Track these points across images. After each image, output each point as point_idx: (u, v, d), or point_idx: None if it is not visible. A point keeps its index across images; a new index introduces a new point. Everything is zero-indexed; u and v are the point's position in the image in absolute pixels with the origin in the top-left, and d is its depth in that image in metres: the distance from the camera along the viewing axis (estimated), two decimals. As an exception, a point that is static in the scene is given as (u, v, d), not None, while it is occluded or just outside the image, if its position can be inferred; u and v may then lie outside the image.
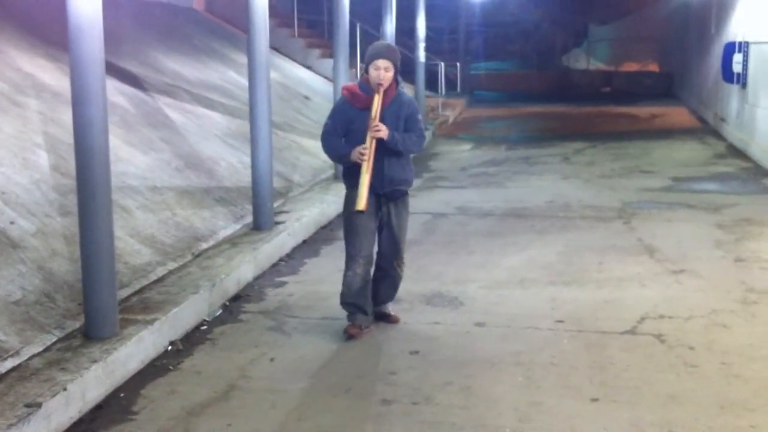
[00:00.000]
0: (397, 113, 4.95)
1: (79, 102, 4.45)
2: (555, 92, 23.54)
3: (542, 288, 5.99)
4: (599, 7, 32.94)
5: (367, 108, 4.85)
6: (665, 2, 23.81)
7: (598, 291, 5.90)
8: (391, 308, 5.33)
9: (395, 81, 4.95)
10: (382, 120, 4.86)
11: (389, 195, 5.03)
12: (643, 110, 18.78)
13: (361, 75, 5.08)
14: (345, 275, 5.05)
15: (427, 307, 5.59)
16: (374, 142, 4.79)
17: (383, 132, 4.79)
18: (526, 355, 4.71)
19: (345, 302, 5.07)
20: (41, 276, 4.97)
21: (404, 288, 5.58)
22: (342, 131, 4.98)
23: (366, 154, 4.75)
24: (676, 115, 17.97)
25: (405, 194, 5.14)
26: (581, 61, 30.44)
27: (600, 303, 5.62)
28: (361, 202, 4.70)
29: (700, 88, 17.68)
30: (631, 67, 28.15)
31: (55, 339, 4.49)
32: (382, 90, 4.85)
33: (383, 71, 4.87)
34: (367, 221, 4.98)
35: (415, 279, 6.05)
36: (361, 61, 5.14)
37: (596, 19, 33.52)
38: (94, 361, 4.18)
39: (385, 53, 4.94)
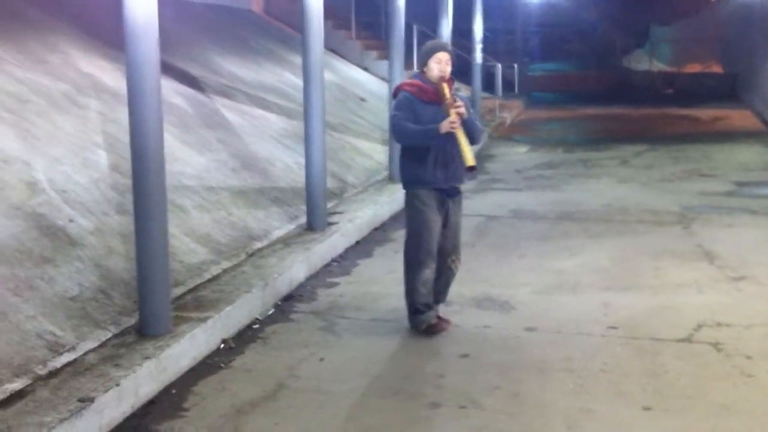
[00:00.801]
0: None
1: (134, 103, 4.53)
2: (615, 93, 23.18)
3: (595, 293, 5.90)
4: (661, 7, 32.36)
5: (434, 100, 4.95)
6: (728, 2, 23.29)
7: (654, 297, 5.79)
8: (442, 310, 5.31)
9: (451, 78, 5.02)
10: (440, 113, 4.91)
11: (451, 191, 5.08)
12: (705, 112, 18.40)
13: (416, 72, 5.13)
14: (420, 274, 5.03)
15: (477, 310, 5.56)
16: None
17: (464, 109, 4.86)
18: (577, 361, 4.65)
19: (421, 302, 5.06)
20: (98, 273, 5.07)
21: (455, 290, 5.56)
22: (411, 122, 5.00)
23: (456, 123, 4.79)
24: (740, 117, 17.56)
25: (460, 191, 5.20)
26: (643, 61, 29.91)
27: (655, 309, 5.52)
28: (470, 158, 4.77)
29: (765, 90, 17.24)
30: (694, 68, 27.59)
31: (110, 335, 4.58)
32: (446, 80, 4.96)
33: (444, 64, 4.99)
34: (437, 218, 5.03)
35: (465, 282, 6.01)
36: (418, 62, 5.16)
37: (658, 19, 32.93)
38: (147, 358, 4.25)
39: (445, 47, 5.14)
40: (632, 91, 24.15)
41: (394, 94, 5.21)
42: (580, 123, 17.51)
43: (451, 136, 4.86)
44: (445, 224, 5.08)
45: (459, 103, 4.89)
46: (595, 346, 4.88)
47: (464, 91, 16.32)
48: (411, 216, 5.09)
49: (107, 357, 4.26)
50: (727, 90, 22.02)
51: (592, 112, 19.34)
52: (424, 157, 4.96)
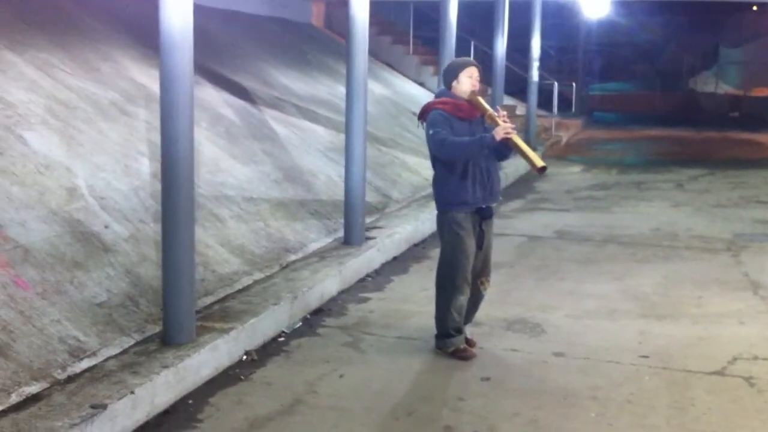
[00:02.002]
0: (483, 123, 4.91)
1: (166, 115, 4.58)
2: (678, 116, 22.70)
3: (632, 320, 5.75)
4: (731, 29, 31.65)
5: (470, 117, 4.92)
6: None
7: (692, 327, 5.61)
8: (470, 331, 5.23)
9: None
10: (475, 127, 4.90)
11: (487, 212, 5.01)
12: (769, 137, 17.91)
13: (443, 90, 5.06)
14: (455, 300, 4.96)
15: (507, 332, 5.46)
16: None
17: (510, 123, 4.80)
18: (603, 390, 4.52)
19: (452, 327, 5.00)
20: (128, 280, 5.13)
21: (486, 312, 5.48)
22: None
23: (509, 126, 4.72)
24: (806, 143, 17.04)
25: (493, 212, 5.12)
26: (709, 84, 29.27)
27: (692, 340, 5.35)
28: (539, 159, 4.72)
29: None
30: (762, 92, 26.86)
31: (133, 342, 4.62)
32: (478, 94, 4.93)
33: (475, 79, 4.95)
34: (473, 243, 4.97)
35: (499, 303, 5.93)
36: (444, 79, 5.10)
37: (727, 41, 32.22)
38: (166, 367, 4.27)
39: (474, 63, 5.05)
40: (696, 113, 23.64)
41: (423, 114, 5.05)
42: (639, 144, 17.19)
43: (488, 153, 4.84)
44: (479, 246, 5.01)
45: (504, 116, 4.83)
46: (624, 375, 4.74)
47: (520, 108, 16.18)
48: (448, 240, 4.99)
49: (127, 364, 4.30)
50: (795, 115, 21.39)
51: (652, 133, 18.97)
52: (463, 177, 4.88)
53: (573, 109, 19.10)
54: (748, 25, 30.22)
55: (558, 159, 14.63)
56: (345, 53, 7.25)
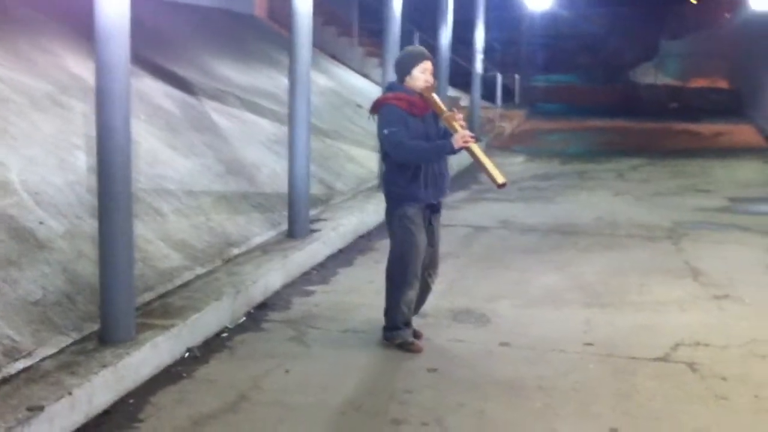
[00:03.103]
0: (436, 118, 4.85)
1: (102, 105, 4.44)
2: (619, 107, 23.01)
3: (577, 309, 5.78)
4: (671, 22, 32.22)
5: (423, 114, 4.82)
6: (737, 19, 23.16)
7: (635, 314, 5.67)
8: (416, 323, 5.20)
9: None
10: (428, 125, 4.84)
11: (436, 207, 4.97)
12: (708, 127, 18.25)
13: (394, 83, 4.96)
14: (405, 294, 4.91)
15: (452, 323, 5.45)
16: None
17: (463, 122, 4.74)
18: (549, 379, 4.53)
19: (401, 321, 4.94)
20: (64, 277, 4.98)
21: (432, 303, 5.45)
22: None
23: (467, 135, 4.63)
24: (742, 133, 17.40)
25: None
26: (649, 75, 29.76)
27: (635, 327, 5.40)
28: (500, 176, 4.60)
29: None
30: (700, 83, 27.41)
31: (70, 341, 4.48)
32: (433, 89, 4.81)
33: (429, 73, 4.83)
34: (424, 237, 4.91)
35: (445, 294, 5.91)
36: (397, 71, 4.97)
37: (667, 33, 32.79)
38: (104, 366, 4.15)
39: (429, 55, 4.91)
40: (637, 104, 23.99)
41: (375, 108, 4.90)
42: (581, 135, 17.38)
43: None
44: (430, 242, 4.97)
45: (459, 114, 4.76)
46: (570, 363, 4.76)
47: (465, 99, 16.22)
48: (399, 235, 4.90)
49: (64, 364, 4.17)
50: (732, 105, 21.85)
51: (594, 124, 19.20)
52: (415, 174, 4.79)
53: (516, 101, 19.22)
54: (688, 18, 30.78)
55: (502, 150, 14.70)
56: (289, 44, 7.13)
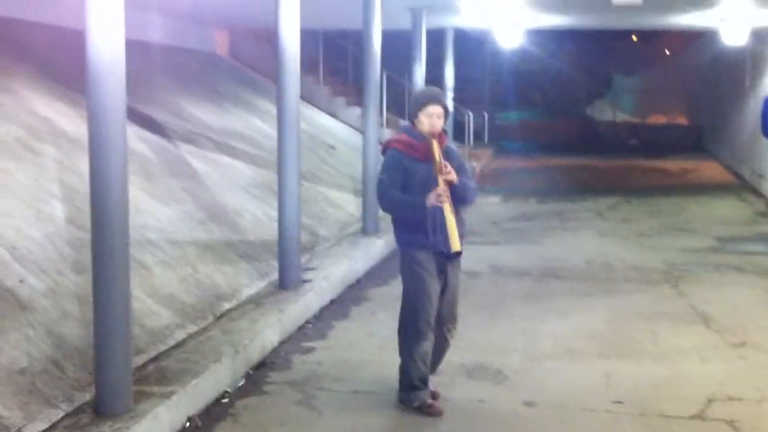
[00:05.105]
0: (449, 163, 4.55)
1: (96, 152, 4.07)
2: (581, 143, 23.07)
3: (593, 361, 5.49)
4: (623, 58, 32.67)
5: (425, 158, 4.50)
6: (693, 54, 23.48)
7: (656, 366, 5.40)
8: (430, 381, 4.84)
9: (443, 130, 4.59)
10: (434, 171, 4.51)
11: (450, 255, 4.59)
12: (673, 164, 18.31)
13: (406, 125, 4.71)
14: (418, 346, 4.55)
15: (469, 381, 5.11)
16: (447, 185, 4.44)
17: (453, 174, 4.44)
18: (585, 442, 4.22)
19: (417, 377, 4.58)
20: (50, 341, 4.54)
21: (442, 358, 5.10)
22: (399, 185, 4.57)
23: (443, 195, 4.38)
24: (709, 169, 17.49)
25: (461, 253, 4.69)
26: (606, 112, 30.07)
27: (659, 380, 5.12)
28: (457, 243, 4.41)
29: (733, 143, 17.22)
30: (659, 119, 27.74)
31: (62, 414, 4.04)
32: (436, 136, 4.52)
33: (435, 118, 4.55)
34: (436, 284, 4.59)
35: (453, 347, 5.52)
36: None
37: (621, 69, 33.24)
38: (104, 444, 3.73)
39: (437, 98, 4.64)
40: (597, 141, 24.09)
41: (383, 150, 4.72)
42: (549, 173, 17.28)
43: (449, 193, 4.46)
44: (443, 290, 4.64)
45: (449, 169, 4.45)
46: (603, 424, 4.46)
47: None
48: (409, 281, 4.60)
49: (58, 443, 3.73)
50: (693, 142, 22.04)
51: (560, 162, 19.13)
52: (421, 221, 4.51)
53: (486, 140, 19.11)
54: (640, 54, 31.25)
55: (475, 189, 14.48)
56: (276, 88, 6.80)
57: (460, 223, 4.62)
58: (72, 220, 5.84)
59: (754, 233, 10.31)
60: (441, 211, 4.49)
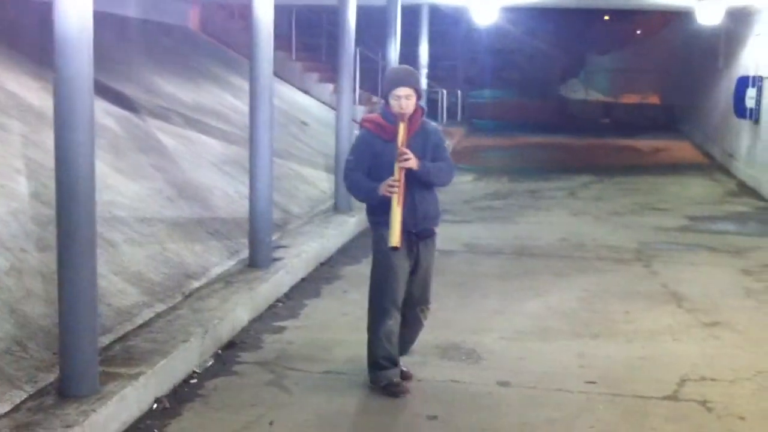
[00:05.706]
0: (424, 143, 4.48)
1: (62, 125, 3.92)
2: (554, 122, 23.11)
3: (568, 340, 5.46)
4: (598, 37, 32.73)
5: (394, 140, 4.39)
6: (667, 34, 23.54)
7: (629, 346, 5.38)
8: (404, 361, 4.78)
9: (420, 108, 4.48)
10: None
11: (421, 233, 4.54)
12: (645, 143, 18.37)
13: (382, 104, 4.61)
14: (382, 324, 4.48)
15: (442, 361, 5.06)
16: (403, 173, 4.34)
17: (412, 161, 4.33)
18: (560, 423, 4.18)
19: (382, 356, 4.50)
20: (13, 320, 4.41)
21: (416, 337, 5.04)
22: (367, 167, 4.50)
23: (395, 186, 4.31)
24: (680, 149, 17.57)
25: (434, 233, 4.64)
26: (579, 91, 30.16)
27: (633, 360, 5.10)
28: (396, 238, 4.28)
29: (705, 123, 17.30)
30: (631, 98, 27.83)
31: (25, 396, 3.92)
32: (406, 118, 4.38)
33: (404, 99, 4.42)
34: (404, 263, 4.50)
35: (427, 327, 5.40)
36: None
37: (595, 48, 33.29)
38: (69, 426, 3.62)
39: (405, 80, 4.49)
40: (570, 119, 24.16)
41: (360, 129, 4.68)
42: (522, 151, 17.28)
43: (409, 172, 4.36)
44: (414, 270, 4.56)
45: (407, 156, 4.34)
46: (577, 404, 4.42)
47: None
48: (376, 259, 4.54)
49: (21, 425, 3.63)
50: (665, 121, 22.16)
51: (533, 140, 19.14)
52: (382, 203, 4.41)
53: (459, 118, 19.04)
54: (614, 34, 31.30)
55: (449, 168, 14.42)
56: (227, 58, 6.65)
57: (433, 204, 4.55)
58: (37, 196, 5.69)
59: (725, 212, 10.36)
60: (409, 191, 4.39)
